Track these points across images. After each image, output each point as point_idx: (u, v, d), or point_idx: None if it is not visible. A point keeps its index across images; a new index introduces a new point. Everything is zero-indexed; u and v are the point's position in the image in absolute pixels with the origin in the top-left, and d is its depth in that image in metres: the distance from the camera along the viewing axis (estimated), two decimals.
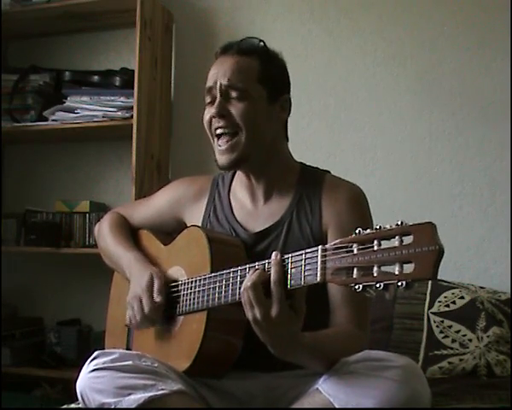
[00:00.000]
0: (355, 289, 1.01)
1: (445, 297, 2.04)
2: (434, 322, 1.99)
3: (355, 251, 1.03)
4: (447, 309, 2.01)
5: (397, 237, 0.98)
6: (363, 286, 1.00)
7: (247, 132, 1.42)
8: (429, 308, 2.02)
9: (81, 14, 2.70)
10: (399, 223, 0.99)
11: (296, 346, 1.18)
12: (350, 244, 1.04)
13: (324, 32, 2.56)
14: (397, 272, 0.96)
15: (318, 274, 1.08)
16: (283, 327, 1.14)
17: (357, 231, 1.04)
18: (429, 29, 2.43)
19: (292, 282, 1.14)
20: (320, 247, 1.10)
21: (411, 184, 2.42)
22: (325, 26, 2.55)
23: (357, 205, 1.45)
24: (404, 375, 1.16)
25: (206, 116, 1.47)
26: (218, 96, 1.43)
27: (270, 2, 2.63)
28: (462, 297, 2.03)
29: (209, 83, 1.47)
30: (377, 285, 0.98)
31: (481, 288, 2.10)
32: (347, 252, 1.04)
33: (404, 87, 2.45)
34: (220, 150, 1.44)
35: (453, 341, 1.94)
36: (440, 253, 0.93)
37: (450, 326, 1.97)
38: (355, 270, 1.02)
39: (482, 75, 2.36)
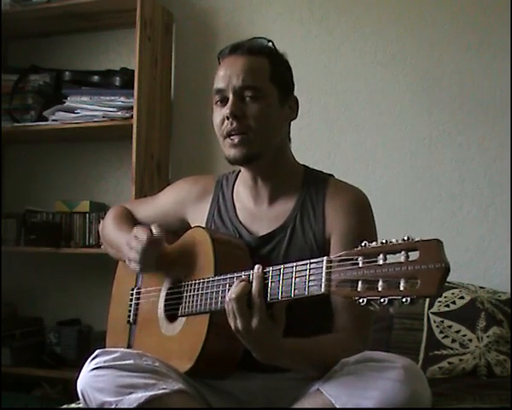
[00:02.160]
0: (359, 302, 1.01)
1: (445, 297, 2.04)
2: (434, 322, 1.99)
3: (360, 264, 1.03)
4: (447, 309, 2.01)
5: (403, 252, 0.98)
6: (368, 300, 1.00)
7: (260, 133, 1.40)
8: (429, 308, 2.02)
9: (81, 14, 2.70)
10: (406, 238, 0.99)
11: (279, 352, 1.22)
12: (355, 257, 1.04)
13: (324, 32, 2.56)
14: (402, 288, 0.96)
15: (323, 285, 1.09)
16: (263, 336, 1.18)
17: (362, 244, 1.04)
18: (429, 29, 2.43)
19: (296, 292, 1.14)
20: (325, 258, 1.10)
21: (411, 184, 2.42)
22: (325, 26, 2.56)
23: (360, 211, 1.44)
24: (405, 376, 1.16)
25: (218, 118, 1.44)
26: (231, 96, 1.40)
27: (270, 2, 2.63)
28: (462, 297, 2.03)
29: (219, 84, 1.43)
30: (381, 300, 0.98)
31: (481, 288, 2.10)
32: (352, 265, 1.04)
33: (404, 87, 2.45)
34: (233, 144, 1.41)
35: (453, 341, 1.94)
36: (446, 271, 0.93)
37: (450, 326, 1.97)
38: (359, 283, 1.02)
39: (482, 75, 2.36)
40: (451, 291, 2.06)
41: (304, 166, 1.55)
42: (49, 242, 2.62)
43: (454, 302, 2.02)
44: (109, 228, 1.67)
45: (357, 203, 1.45)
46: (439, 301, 2.03)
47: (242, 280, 1.21)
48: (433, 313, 2.01)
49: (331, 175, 1.54)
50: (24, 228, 2.72)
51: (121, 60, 2.75)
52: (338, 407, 1.17)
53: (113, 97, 2.56)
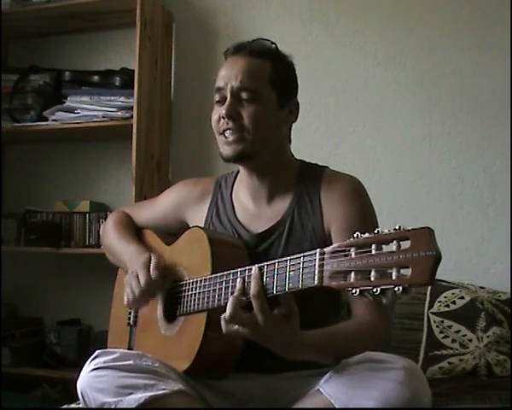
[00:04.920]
0: (352, 293, 1.01)
1: (445, 297, 2.04)
2: (434, 322, 1.99)
3: (353, 255, 1.03)
4: (447, 309, 2.01)
5: (394, 242, 0.98)
6: (361, 290, 1.00)
7: (254, 133, 1.41)
8: (429, 308, 2.02)
9: (81, 14, 2.70)
10: (397, 227, 0.99)
11: (299, 346, 1.20)
12: (348, 248, 1.04)
13: (324, 32, 2.56)
14: (394, 277, 0.96)
15: (316, 277, 1.09)
16: (275, 334, 1.17)
17: (355, 235, 1.04)
18: (429, 29, 2.43)
19: (290, 285, 1.15)
20: (318, 250, 1.11)
21: (411, 184, 2.42)
22: (325, 26, 2.56)
23: (356, 197, 1.45)
24: (405, 376, 1.16)
25: (215, 116, 1.46)
26: (229, 96, 1.42)
27: (270, 2, 2.63)
28: (462, 297, 2.03)
29: (219, 83, 1.45)
30: (374, 290, 0.98)
31: (481, 288, 2.10)
32: (345, 256, 1.04)
33: (404, 87, 2.45)
34: (226, 141, 1.43)
35: (453, 341, 1.94)
36: (438, 258, 0.93)
37: (450, 326, 1.97)
38: (352, 274, 1.02)
39: (482, 75, 2.36)
40: (451, 291, 2.06)
41: (300, 160, 1.55)
42: (49, 242, 2.62)
43: (454, 302, 2.02)
44: (110, 236, 1.68)
45: (352, 191, 1.45)
46: (439, 302, 2.03)
47: (235, 296, 1.20)
48: (433, 313, 2.01)
49: (326, 167, 1.54)
50: (24, 228, 2.72)
51: (121, 60, 2.75)
52: (337, 407, 1.17)
53: (113, 97, 2.56)
